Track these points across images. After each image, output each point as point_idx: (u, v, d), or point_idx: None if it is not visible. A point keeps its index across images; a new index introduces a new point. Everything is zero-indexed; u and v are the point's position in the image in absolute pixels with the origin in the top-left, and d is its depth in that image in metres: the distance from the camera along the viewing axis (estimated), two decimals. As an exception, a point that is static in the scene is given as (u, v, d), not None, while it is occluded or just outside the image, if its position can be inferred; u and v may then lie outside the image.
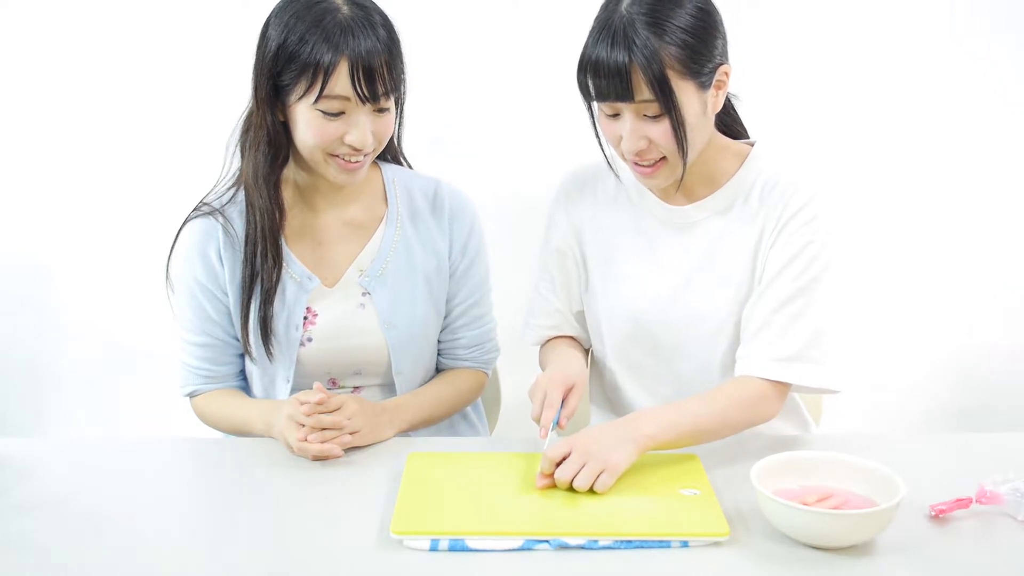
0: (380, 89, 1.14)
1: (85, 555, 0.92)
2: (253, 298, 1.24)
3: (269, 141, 1.20)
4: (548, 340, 1.34)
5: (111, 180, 1.87)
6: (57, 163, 1.86)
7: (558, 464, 1.01)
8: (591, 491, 1.00)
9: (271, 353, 1.27)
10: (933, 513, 0.98)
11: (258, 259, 1.23)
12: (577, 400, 1.10)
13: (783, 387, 1.14)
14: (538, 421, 1.08)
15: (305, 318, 1.27)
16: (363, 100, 1.14)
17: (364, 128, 1.16)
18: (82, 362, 1.95)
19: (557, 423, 1.07)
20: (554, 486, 1.01)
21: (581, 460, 1.01)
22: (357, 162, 1.19)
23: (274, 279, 1.24)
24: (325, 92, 1.12)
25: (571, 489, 1.00)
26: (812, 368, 1.13)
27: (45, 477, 1.09)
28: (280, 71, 1.15)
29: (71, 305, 1.92)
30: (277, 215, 1.23)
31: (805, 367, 1.13)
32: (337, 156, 1.19)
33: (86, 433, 1.96)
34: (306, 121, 1.16)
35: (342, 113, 1.15)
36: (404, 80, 1.22)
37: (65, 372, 1.95)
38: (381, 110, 1.18)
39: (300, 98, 1.15)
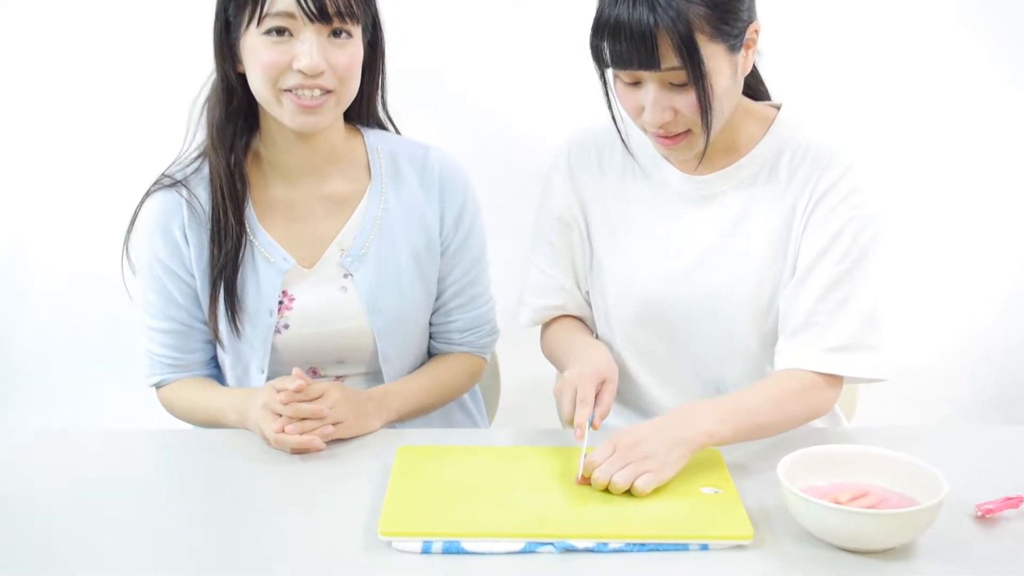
0: (331, 8, 1.14)
1: (47, 555, 0.91)
2: (221, 279, 1.24)
3: (227, 89, 1.22)
4: (551, 323, 1.32)
5: (67, 155, 1.84)
6: (7, 139, 1.84)
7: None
8: (625, 493, 0.98)
9: (239, 330, 1.26)
10: (979, 513, 0.97)
11: (223, 233, 1.23)
12: (611, 397, 1.09)
13: (836, 379, 1.14)
14: (569, 423, 1.06)
15: (280, 303, 1.26)
16: (310, 18, 1.13)
17: (313, 50, 1.14)
18: (41, 350, 1.94)
19: (591, 422, 1.05)
20: (590, 485, 1.00)
21: (624, 461, 1.00)
22: (314, 100, 1.17)
23: (239, 245, 1.23)
24: (266, 10, 1.14)
25: (606, 491, 0.99)
26: (866, 356, 1.13)
27: (4, 472, 1.08)
28: (227, 6, 1.18)
29: (29, 290, 1.91)
30: (237, 180, 1.23)
31: (859, 356, 1.13)
32: (291, 91, 1.17)
33: (45, 426, 1.88)
34: (254, 53, 1.17)
35: (288, 33, 1.15)
36: (374, 15, 1.22)
37: (23, 361, 1.94)
38: (337, 33, 1.17)
39: (246, 28, 1.16)
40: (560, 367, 1.25)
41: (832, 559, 0.89)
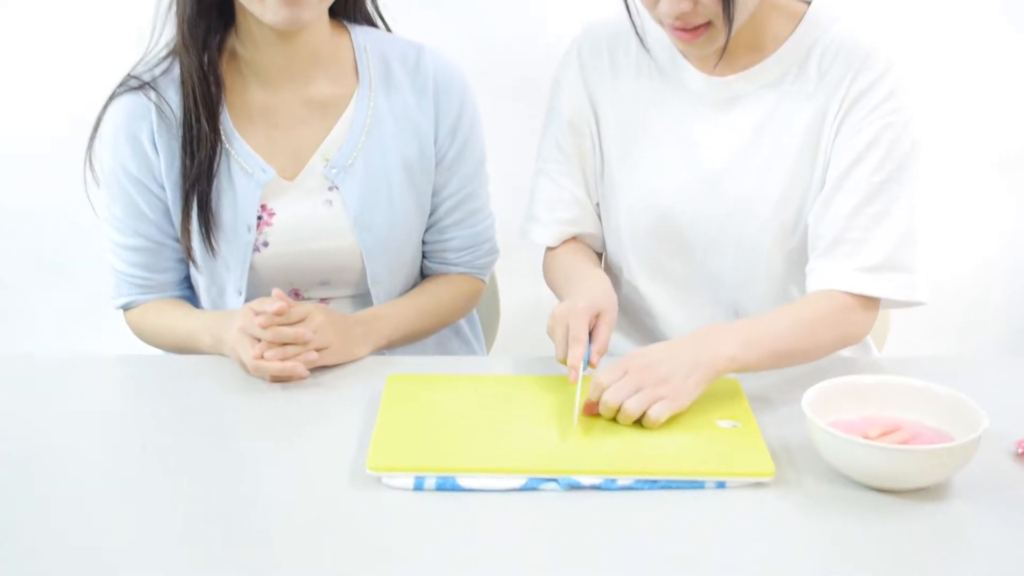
0: None
1: (6, 489, 0.90)
2: (195, 192, 1.21)
3: None
4: (552, 248, 1.28)
5: (20, 52, 1.78)
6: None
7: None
8: (636, 424, 0.96)
9: (214, 248, 1.23)
10: (1020, 450, 0.95)
11: (196, 141, 1.19)
12: (608, 331, 1.05)
13: (872, 301, 1.11)
14: (563, 362, 1.02)
15: (259, 218, 1.23)
16: None
17: None
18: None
19: (588, 361, 1.01)
20: (596, 415, 0.98)
21: (637, 385, 0.97)
22: None
23: (214, 155, 1.20)
24: None
25: (614, 420, 0.97)
26: (903, 277, 1.10)
27: (-49, 403, 1.07)
28: None
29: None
30: (211, 82, 1.19)
31: (896, 276, 1.10)
32: None
33: (5, 351, 1.91)
34: None
35: None
36: None
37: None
38: None
39: None
40: (560, 299, 1.22)
41: (860, 499, 0.87)
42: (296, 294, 1.29)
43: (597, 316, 1.05)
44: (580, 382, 0.99)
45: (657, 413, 0.95)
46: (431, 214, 1.32)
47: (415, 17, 1.38)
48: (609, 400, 0.96)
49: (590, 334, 1.04)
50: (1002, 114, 1.86)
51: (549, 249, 1.29)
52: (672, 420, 0.97)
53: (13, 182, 1.85)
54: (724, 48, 1.09)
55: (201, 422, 1.03)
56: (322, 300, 1.30)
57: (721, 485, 0.89)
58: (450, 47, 1.33)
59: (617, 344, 1.28)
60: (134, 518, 0.86)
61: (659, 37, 1.18)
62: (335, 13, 1.27)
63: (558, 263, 1.25)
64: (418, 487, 0.89)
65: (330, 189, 1.25)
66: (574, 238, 1.28)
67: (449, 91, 1.28)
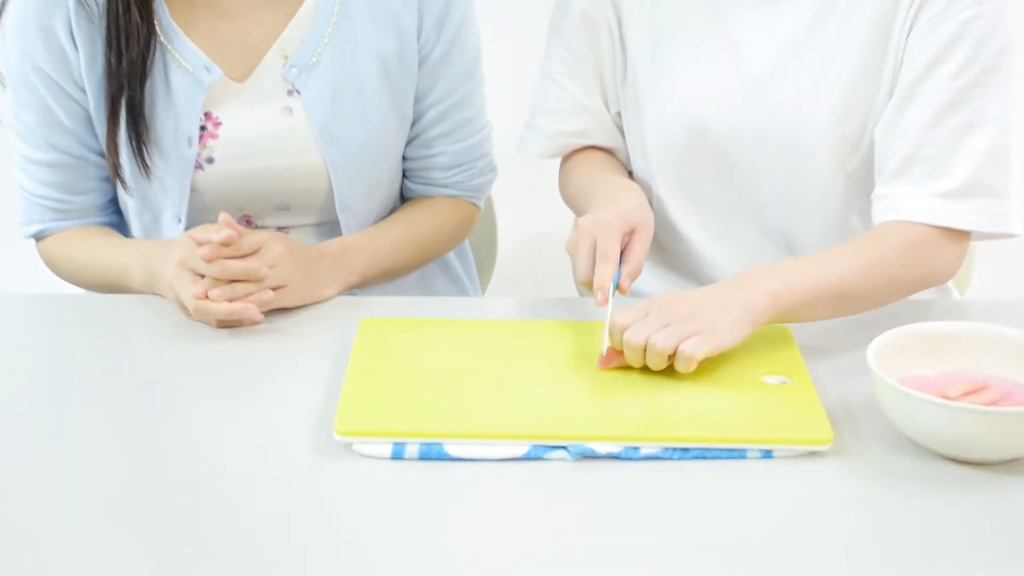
0: None
1: None
2: (123, 96, 1.16)
3: None
4: (571, 157, 1.25)
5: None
6: None
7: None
8: (665, 373, 0.93)
9: (147, 166, 1.18)
10: None
11: (125, 34, 1.15)
12: (642, 251, 1.02)
13: (959, 233, 1.07)
14: (588, 286, 0.99)
15: (203, 128, 1.20)
16: None
17: None
18: None
19: (617, 285, 0.98)
20: (622, 367, 0.95)
21: (663, 320, 0.94)
22: None
23: (147, 51, 1.17)
24: None
25: (636, 371, 0.94)
26: (993, 204, 1.06)
27: None
28: None
29: None
30: None
31: (984, 203, 1.06)
32: None
33: None
34: None
35: None
36: None
37: None
38: None
39: None
40: (582, 213, 1.17)
41: (936, 472, 0.85)
42: (248, 221, 1.26)
43: (630, 233, 1.03)
44: (610, 305, 0.96)
45: (691, 348, 0.92)
46: (414, 124, 1.29)
47: None
48: (632, 339, 0.92)
49: (623, 253, 1.01)
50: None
51: (565, 161, 1.24)
52: (708, 375, 0.94)
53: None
54: None
55: (132, 376, 1.00)
56: (280, 229, 1.26)
57: (767, 454, 0.87)
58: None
59: (643, 282, 1.24)
60: (53, 495, 0.83)
61: None
62: None
63: (578, 172, 1.22)
64: (397, 456, 0.86)
65: (289, 93, 1.22)
66: (594, 147, 1.24)
67: None
